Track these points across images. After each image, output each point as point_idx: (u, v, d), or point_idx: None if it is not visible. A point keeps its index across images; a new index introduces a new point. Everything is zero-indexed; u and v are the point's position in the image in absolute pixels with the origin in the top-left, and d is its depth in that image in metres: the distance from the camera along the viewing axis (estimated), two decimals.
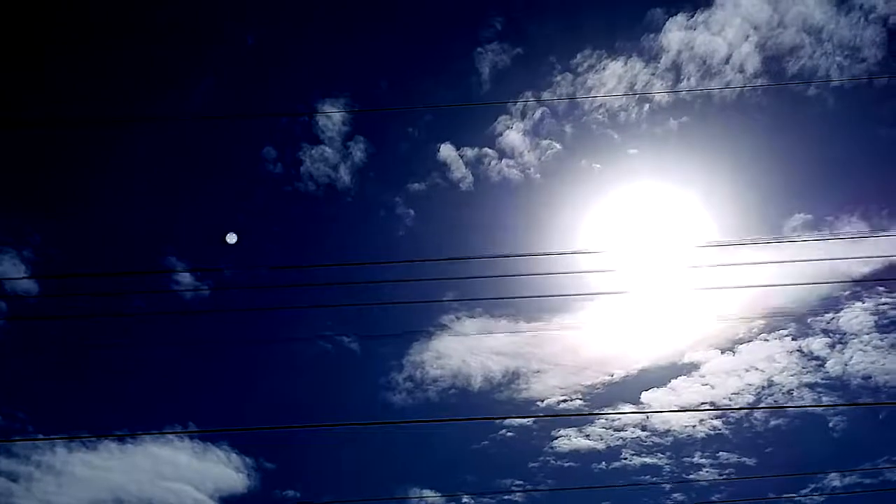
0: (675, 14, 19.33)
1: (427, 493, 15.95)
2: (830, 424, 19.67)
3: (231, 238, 15.96)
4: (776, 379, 19.49)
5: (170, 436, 14.34)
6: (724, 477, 18.47)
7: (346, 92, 18.80)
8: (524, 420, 17.36)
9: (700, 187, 19.26)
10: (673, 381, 18.44)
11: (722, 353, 18.97)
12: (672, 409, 19.64)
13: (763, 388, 19.24)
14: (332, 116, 18.26)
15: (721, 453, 18.75)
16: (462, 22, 19.82)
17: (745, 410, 19.95)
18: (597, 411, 18.22)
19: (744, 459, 18.77)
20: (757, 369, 19.38)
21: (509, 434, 17.92)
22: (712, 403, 18.85)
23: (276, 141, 19.28)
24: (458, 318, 17.60)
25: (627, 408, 18.16)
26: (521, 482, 17.00)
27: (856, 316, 19.82)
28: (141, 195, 18.89)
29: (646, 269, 15.52)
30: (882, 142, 19.78)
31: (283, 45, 19.46)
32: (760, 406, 20.00)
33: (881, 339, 19.98)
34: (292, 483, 17.05)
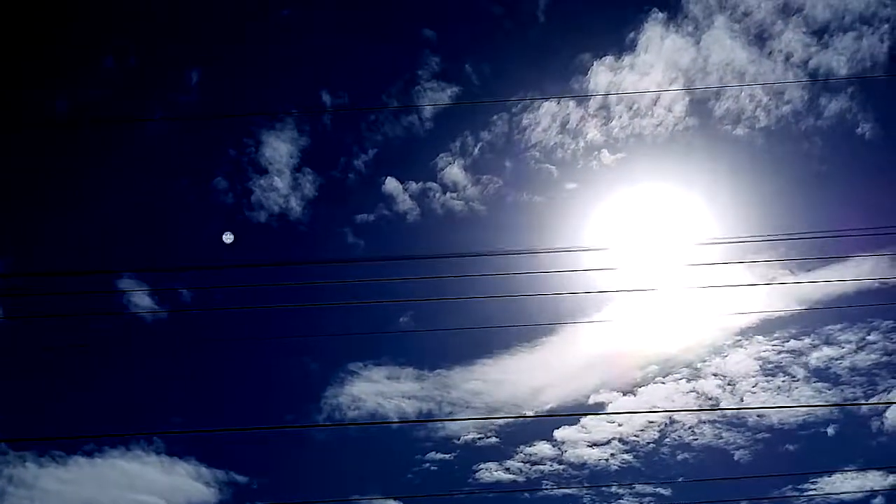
0: (603, 57, 20.67)
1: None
2: (735, 457, 21.91)
3: (228, 238, 18.50)
4: (677, 417, 22.03)
5: (137, 451, 16.52)
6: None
7: (290, 125, 20.09)
8: (445, 455, 19.79)
9: (638, 221, 20.61)
10: (582, 419, 21.03)
11: (624, 394, 21.67)
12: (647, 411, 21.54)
13: (666, 424, 21.74)
14: (279, 148, 19.89)
15: (636, 485, 20.80)
16: (400, 61, 21.05)
17: (746, 411, 21.92)
18: (590, 412, 20.35)
19: (659, 490, 20.78)
20: (658, 408, 22.00)
21: (432, 468, 20.24)
22: (621, 440, 21.27)
23: (226, 172, 20.43)
24: (365, 366, 20.21)
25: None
26: None
27: (740, 360, 22.77)
28: (100, 217, 20.28)
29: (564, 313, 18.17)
30: (814, 179, 21.77)
31: (228, 80, 20.48)
32: (756, 407, 22.01)
33: (767, 382, 22.78)
34: (263, 496, 18.83)
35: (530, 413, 20.81)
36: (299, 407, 20.87)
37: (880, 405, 21.21)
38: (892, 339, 21.71)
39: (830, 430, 21.73)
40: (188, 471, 17.62)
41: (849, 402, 22.50)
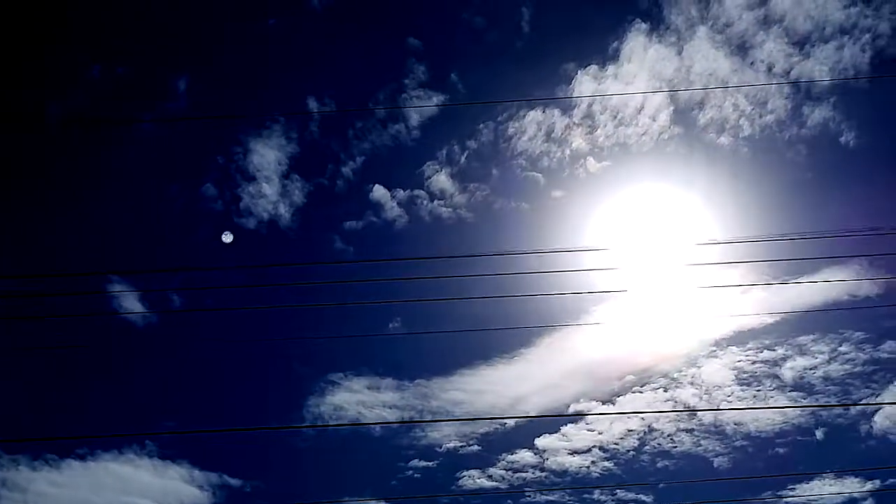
0: (587, 66, 20.80)
1: None
2: (715, 464, 22.41)
3: (227, 237, 19.11)
4: (655, 426, 22.61)
5: (130, 454, 17.03)
6: None
7: (277, 133, 20.33)
8: (428, 462, 20.32)
9: (619, 230, 20.72)
10: (563, 427, 21.64)
11: (603, 403, 22.30)
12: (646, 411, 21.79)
13: (645, 433, 22.33)
14: (266, 155, 20.08)
15: (618, 491, 21.27)
16: (387, 69, 21.04)
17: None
18: (581, 412, 20.70)
19: (640, 496, 21.22)
20: (637, 417, 22.57)
21: (416, 475, 20.76)
22: (601, 448, 21.84)
23: (215, 178, 20.69)
24: (346, 376, 20.66)
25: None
26: None
27: (715, 371, 23.45)
28: (89, 223, 20.59)
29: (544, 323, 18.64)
30: (796, 188, 21.89)
31: (215, 89, 20.66)
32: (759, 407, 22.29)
33: (743, 391, 23.41)
34: (255, 499, 19.38)
35: (511, 422, 21.44)
36: (282, 417, 21.40)
37: (869, 407, 21.62)
38: (863, 349, 22.38)
39: (807, 438, 22.30)
40: (181, 474, 18.19)
41: (837, 404, 23.01)
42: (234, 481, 19.13)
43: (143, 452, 17.90)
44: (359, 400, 20.51)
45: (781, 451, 22.24)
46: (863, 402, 22.40)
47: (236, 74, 20.90)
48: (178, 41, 20.70)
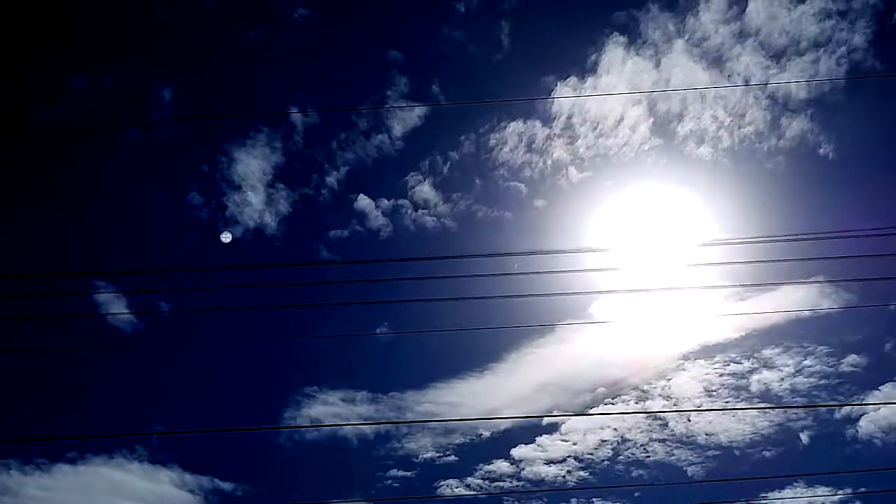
0: (566, 78, 21.24)
1: None
2: (689, 473, 23.00)
3: (226, 237, 19.84)
4: (628, 436, 23.31)
5: (120, 458, 17.56)
6: None
7: (260, 142, 20.90)
8: (406, 472, 20.90)
9: (605, 239, 21.53)
10: (538, 438, 22.35)
11: (576, 415, 23.11)
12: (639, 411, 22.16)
13: (618, 443, 23.01)
14: (251, 164, 20.58)
15: (594, 500, 21.81)
16: (369, 80, 21.57)
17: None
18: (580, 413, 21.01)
19: None
20: (610, 428, 23.32)
21: (394, 485, 21.30)
22: (576, 458, 22.51)
23: (201, 187, 21.02)
24: (320, 389, 21.26)
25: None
26: None
27: (684, 383, 24.32)
28: (77, 231, 20.99)
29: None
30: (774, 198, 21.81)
31: (200, 100, 21.14)
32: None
33: (712, 403, 24.18)
34: (247, 502, 19.84)
35: (486, 433, 22.17)
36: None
37: (841, 417, 22.18)
38: (828, 363, 23.29)
39: (777, 448, 22.85)
40: (171, 478, 18.69)
41: (826, 404, 23.55)
42: (224, 485, 19.68)
43: (134, 457, 18.52)
44: (334, 412, 21.13)
45: (752, 460, 22.88)
46: (850, 403, 23.03)
47: (220, 85, 21.56)
48: (163, 51, 21.33)
